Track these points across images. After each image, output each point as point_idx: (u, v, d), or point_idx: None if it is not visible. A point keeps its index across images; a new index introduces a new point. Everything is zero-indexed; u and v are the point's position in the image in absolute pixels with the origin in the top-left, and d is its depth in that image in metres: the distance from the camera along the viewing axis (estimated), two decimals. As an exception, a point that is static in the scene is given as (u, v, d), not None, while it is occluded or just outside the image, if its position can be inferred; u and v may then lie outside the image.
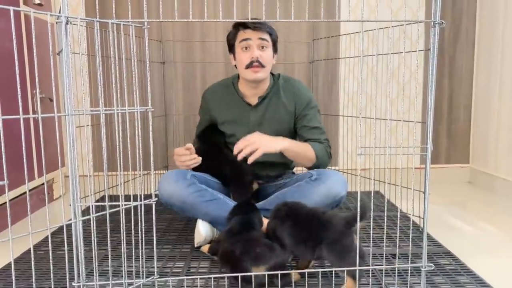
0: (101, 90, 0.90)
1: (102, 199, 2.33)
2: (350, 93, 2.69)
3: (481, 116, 2.71)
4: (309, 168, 1.81)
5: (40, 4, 2.21)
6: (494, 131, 2.56)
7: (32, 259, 0.90)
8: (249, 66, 1.76)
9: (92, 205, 0.91)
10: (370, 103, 2.67)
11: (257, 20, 1.76)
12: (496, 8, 2.52)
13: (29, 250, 1.65)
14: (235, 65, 1.86)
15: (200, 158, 1.75)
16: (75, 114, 0.81)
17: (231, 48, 1.85)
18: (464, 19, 2.72)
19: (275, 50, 1.85)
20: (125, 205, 0.94)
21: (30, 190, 2.17)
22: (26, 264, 1.52)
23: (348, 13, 2.66)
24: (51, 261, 0.95)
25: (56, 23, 0.88)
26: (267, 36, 1.78)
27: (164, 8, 2.57)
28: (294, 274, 1.31)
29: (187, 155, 1.74)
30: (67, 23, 0.90)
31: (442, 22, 0.96)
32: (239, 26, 1.79)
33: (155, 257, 1.02)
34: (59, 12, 0.89)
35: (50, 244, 0.92)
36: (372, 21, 0.98)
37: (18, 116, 0.78)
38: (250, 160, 1.62)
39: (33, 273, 0.92)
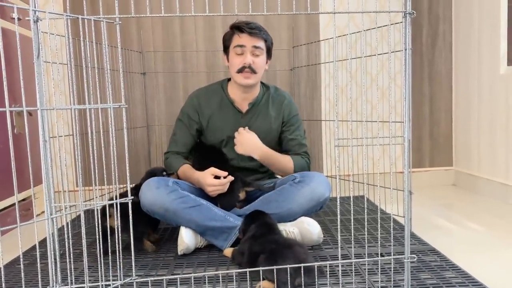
0: (72, 86, 0.89)
1: (78, 217, 2.28)
2: (331, 99, 2.71)
3: (462, 118, 2.75)
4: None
5: (18, 19, 2.20)
6: (475, 132, 2.59)
7: (1, 262, 0.87)
8: (240, 71, 1.80)
9: (66, 206, 0.90)
10: (353, 108, 2.69)
11: (253, 24, 1.79)
12: (470, 12, 2.58)
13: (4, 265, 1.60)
14: (228, 66, 1.89)
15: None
16: (46, 109, 0.80)
17: (226, 49, 1.88)
18: (440, 23, 2.78)
19: (269, 56, 1.90)
20: (99, 204, 0.92)
21: (10, 206, 2.12)
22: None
23: (327, 16, 2.70)
24: (21, 265, 0.92)
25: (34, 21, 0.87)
26: (261, 43, 1.81)
27: (141, 6, 2.56)
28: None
29: (222, 181, 1.73)
30: (36, 21, 0.90)
31: (413, 12, 0.98)
32: (235, 29, 1.81)
33: (133, 258, 1.00)
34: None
35: (20, 242, 0.89)
36: (341, 12, 0.99)
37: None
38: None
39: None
